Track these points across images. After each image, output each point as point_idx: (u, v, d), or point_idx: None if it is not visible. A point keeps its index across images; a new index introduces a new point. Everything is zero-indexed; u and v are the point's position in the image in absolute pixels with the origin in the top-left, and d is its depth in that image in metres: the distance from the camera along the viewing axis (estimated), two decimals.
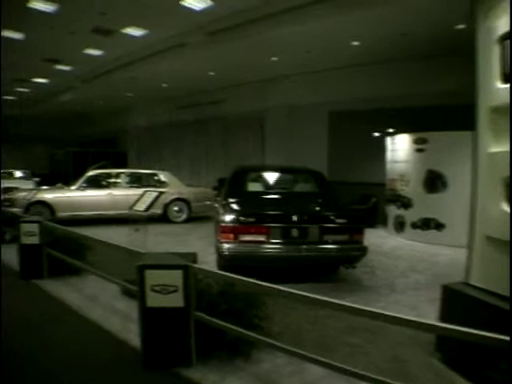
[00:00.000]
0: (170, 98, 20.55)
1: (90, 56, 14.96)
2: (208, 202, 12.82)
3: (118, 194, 12.17)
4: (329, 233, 6.13)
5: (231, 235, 5.97)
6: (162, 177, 13.21)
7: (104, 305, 5.45)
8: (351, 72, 13.99)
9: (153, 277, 3.52)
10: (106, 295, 5.79)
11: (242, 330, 3.42)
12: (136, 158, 23.66)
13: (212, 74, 15.84)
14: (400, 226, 10.72)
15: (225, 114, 18.22)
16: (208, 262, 7.14)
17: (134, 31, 12.40)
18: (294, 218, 6.07)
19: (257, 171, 8.63)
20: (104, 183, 12.69)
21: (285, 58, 13.70)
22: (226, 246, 5.98)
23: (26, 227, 6.53)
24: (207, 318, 3.56)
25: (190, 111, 19.95)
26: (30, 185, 17.90)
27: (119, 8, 10.65)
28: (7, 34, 12.62)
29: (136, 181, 13.12)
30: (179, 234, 11.07)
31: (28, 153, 28.40)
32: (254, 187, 7.78)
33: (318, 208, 6.82)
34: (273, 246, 6.05)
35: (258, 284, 3.32)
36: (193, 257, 3.84)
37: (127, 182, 12.76)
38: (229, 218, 6.08)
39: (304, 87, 15.25)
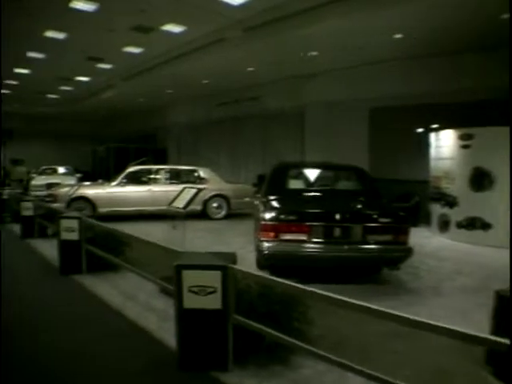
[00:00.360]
0: (210, 95, 20.51)
1: (130, 54, 15.05)
2: (247, 199, 12.75)
3: (158, 190, 12.22)
4: (372, 232, 5.89)
5: (272, 233, 5.80)
6: (202, 173, 13.18)
7: (141, 303, 5.38)
8: (393, 66, 13.60)
9: (190, 277, 3.39)
10: (143, 293, 5.73)
11: (281, 335, 3.24)
12: (176, 154, 23.74)
13: (251, 69, 15.68)
14: (444, 225, 10.34)
15: (264, 110, 17.98)
16: (247, 259, 7.04)
17: (173, 28, 12.37)
18: (337, 216, 5.85)
19: (297, 168, 8.38)
20: (144, 179, 12.79)
21: (325, 53, 13.41)
22: (266, 244, 5.81)
23: (65, 223, 6.56)
24: (246, 321, 3.41)
25: (229, 108, 19.82)
26: (72, 180, 18.23)
27: (158, 5, 10.63)
28: (51, 34, 12.85)
29: (176, 177, 13.16)
30: (218, 230, 11.00)
31: (71, 149, 29.07)
32: (294, 184, 7.56)
33: (361, 206, 6.56)
34: (314, 246, 5.85)
35: (297, 287, 3.15)
36: (232, 257, 3.70)
37: (167, 178, 12.79)
38: (269, 215, 5.91)
39: (344, 82, 14.92)
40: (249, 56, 14.11)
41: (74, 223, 6.47)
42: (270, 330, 3.30)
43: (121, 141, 26.13)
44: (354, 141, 14.65)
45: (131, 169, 12.66)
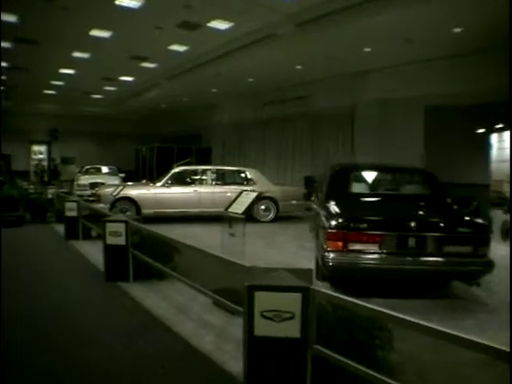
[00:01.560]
0: (256, 94, 20.00)
1: (175, 52, 14.72)
2: (295, 202, 12.25)
3: (204, 192, 11.87)
4: (450, 243, 5.21)
5: (340, 243, 5.18)
6: (249, 174, 12.65)
7: (194, 317, 4.86)
8: (451, 63, 12.75)
9: (264, 300, 2.84)
10: (195, 305, 5.22)
11: (371, 372, 2.65)
12: (220, 154, 23.33)
13: (299, 67, 15.10)
14: (506, 233, 9.48)
15: (312, 110, 17.34)
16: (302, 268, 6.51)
17: (220, 24, 11.95)
18: (412, 224, 5.20)
19: (359, 170, 7.57)
20: (190, 180, 12.41)
21: (379, 49, 12.71)
22: (333, 255, 5.20)
23: (111, 227, 6.11)
24: (329, 353, 2.85)
25: (276, 107, 19.25)
26: (115, 180, 18.09)
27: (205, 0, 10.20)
28: (95, 33, 12.69)
29: (222, 178, 12.69)
30: (267, 234, 10.45)
31: (114, 149, 29.21)
32: (357, 188, 6.83)
33: (435, 214, 5.84)
34: (386, 258, 5.21)
35: (390, 314, 2.57)
36: (308, 275, 3.13)
37: (213, 179, 12.33)
38: (336, 223, 5.27)
39: (398, 80, 14.14)
40: (298, 53, 13.54)
41: (121, 227, 6.01)
42: (357, 365, 2.73)
43: (164, 140, 25.94)
44: (407, 141, 13.85)
45: (176, 169, 12.28)
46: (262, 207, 12.31)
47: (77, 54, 15.24)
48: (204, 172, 12.43)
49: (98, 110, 27.35)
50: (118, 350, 4.09)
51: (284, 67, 15.08)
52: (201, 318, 4.82)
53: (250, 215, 12.00)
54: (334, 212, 5.63)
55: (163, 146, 23.53)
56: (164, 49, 14.33)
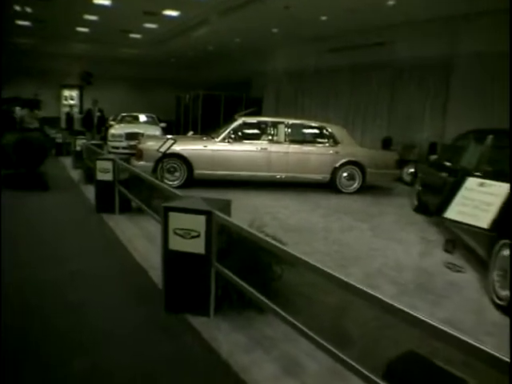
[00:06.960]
0: (323, 37, 16.70)
1: None
2: (385, 170, 9.94)
3: (275, 151, 9.45)
4: None
5: None
6: (331, 131, 9.94)
7: None
8: None
9: None
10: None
11: None
12: (273, 105, 20.45)
13: (391, 3, 11.92)
14: None
15: (393, 60, 14.18)
16: (461, 286, 4.36)
17: None
18: None
19: None
20: (256, 135, 9.86)
21: None
22: None
23: (180, 220, 3.43)
24: None
25: (345, 54, 16.05)
26: (156, 131, 15.80)
27: None
28: None
29: (297, 135, 9.97)
30: (361, 213, 7.84)
31: (153, 96, 26.73)
32: None
33: None
34: None
35: None
36: None
37: (287, 136, 9.70)
38: None
39: None
40: None
41: (199, 222, 3.35)
42: None
43: (208, 88, 23.27)
44: None
45: (240, 121, 9.66)
46: (345, 174, 9.73)
47: None
48: (275, 126, 9.71)
49: (136, 51, 24.64)
50: None
51: (370, 2, 11.94)
52: None
53: (327, 183, 9.61)
54: None
55: (209, 93, 20.94)
56: None
